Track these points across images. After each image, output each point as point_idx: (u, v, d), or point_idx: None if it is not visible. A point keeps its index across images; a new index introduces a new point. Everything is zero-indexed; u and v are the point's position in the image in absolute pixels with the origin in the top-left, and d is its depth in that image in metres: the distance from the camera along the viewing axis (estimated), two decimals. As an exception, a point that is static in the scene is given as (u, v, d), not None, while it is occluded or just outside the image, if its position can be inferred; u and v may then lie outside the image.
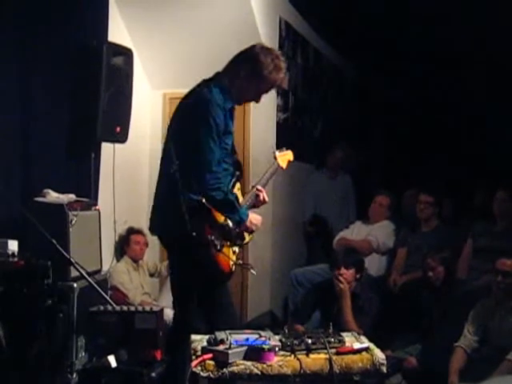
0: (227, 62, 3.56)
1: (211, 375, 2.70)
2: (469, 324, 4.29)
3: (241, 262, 3.60)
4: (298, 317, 4.98)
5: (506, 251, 4.41)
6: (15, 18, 4.34)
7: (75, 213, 4.12)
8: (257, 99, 3.56)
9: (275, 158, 3.87)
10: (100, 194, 5.08)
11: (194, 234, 3.18)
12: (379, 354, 2.85)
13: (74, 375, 3.58)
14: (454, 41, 7.38)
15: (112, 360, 3.03)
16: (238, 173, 3.62)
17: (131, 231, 5.75)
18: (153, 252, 6.26)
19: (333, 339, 2.88)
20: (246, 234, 3.60)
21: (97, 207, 4.56)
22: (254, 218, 3.55)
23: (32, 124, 4.50)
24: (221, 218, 3.41)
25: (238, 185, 3.59)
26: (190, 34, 5.84)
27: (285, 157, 3.96)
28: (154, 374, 3.08)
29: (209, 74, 3.59)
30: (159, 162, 3.59)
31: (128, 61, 4.99)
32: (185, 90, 6.23)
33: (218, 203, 3.34)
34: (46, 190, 4.24)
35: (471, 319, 4.30)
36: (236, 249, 3.54)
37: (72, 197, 4.30)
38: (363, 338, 3.06)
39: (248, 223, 3.49)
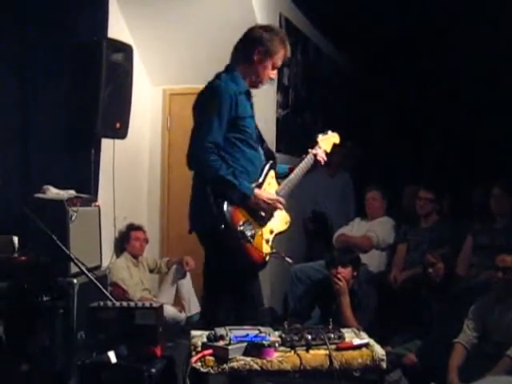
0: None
1: (211, 371, 2.70)
2: (468, 320, 4.29)
3: (274, 251, 3.48)
4: (297, 316, 4.97)
5: (506, 248, 4.41)
6: (15, 14, 4.34)
7: (75, 209, 4.12)
8: (270, 79, 3.58)
9: (317, 142, 3.77)
10: (100, 190, 5.08)
11: (223, 226, 3.21)
12: (379, 350, 2.86)
13: (74, 371, 3.58)
14: (454, 40, 7.37)
15: (112, 356, 3.03)
16: (271, 161, 3.58)
17: (131, 227, 5.76)
18: (153, 248, 6.27)
19: (333, 335, 2.88)
20: (277, 222, 3.49)
21: (97, 203, 4.56)
22: (264, 194, 3.41)
23: (32, 120, 4.51)
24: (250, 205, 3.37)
25: (271, 173, 3.55)
26: (189, 30, 5.83)
27: (329, 140, 3.86)
28: (153, 370, 3.07)
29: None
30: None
31: (128, 57, 4.99)
32: (185, 86, 6.29)
33: (212, 182, 3.28)
34: (45, 186, 4.25)
35: (471, 315, 4.30)
36: (270, 238, 3.46)
37: (72, 193, 4.31)
38: (363, 334, 3.06)
39: (254, 199, 3.34)
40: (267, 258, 3.44)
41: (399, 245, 5.76)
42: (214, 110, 3.32)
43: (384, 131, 9.52)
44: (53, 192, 4.23)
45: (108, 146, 5.13)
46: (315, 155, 3.69)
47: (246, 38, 3.56)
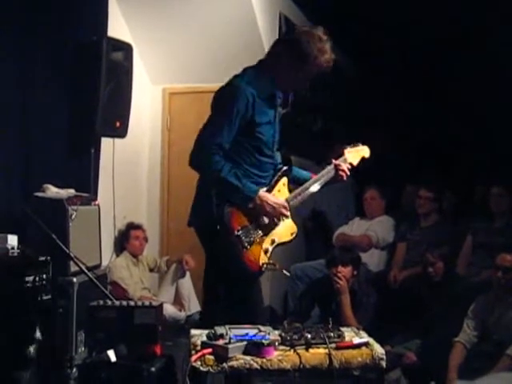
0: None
1: (211, 370, 2.70)
2: (468, 319, 4.29)
3: (271, 261, 3.26)
4: (297, 315, 4.97)
5: (506, 247, 4.41)
6: (15, 14, 4.33)
7: (75, 208, 4.11)
8: (304, 86, 3.39)
9: (343, 153, 3.53)
10: (100, 188, 5.08)
11: (218, 227, 3.12)
12: (379, 349, 2.85)
13: (74, 370, 3.57)
14: (454, 40, 7.37)
15: (111, 355, 3.03)
16: (285, 168, 3.39)
17: (131, 226, 5.76)
18: (152, 247, 6.27)
19: (332, 334, 2.88)
20: (281, 232, 3.33)
21: (96, 202, 4.55)
22: (270, 198, 3.23)
23: (32, 119, 4.50)
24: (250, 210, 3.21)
25: (283, 180, 3.36)
26: (189, 29, 5.83)
27: (357, 153, 3.61)
28: (153, 369, 3.07)
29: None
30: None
31: (128, 56, 4.99)
32: (185, 85, 6.29)
33: (213, 183, 3.18)
34: (45, 185, 4.24)
35: (471, 314, 4.30)
36: (269, 247, 3.29)
37: (72, 192, 4.30)
38: (363, 333, 3.06)
39: (258, 200, 3.18)
40: (263, 268, 3.25)
41: (399, 244, 5.76)
42: (227, 112, 3.15)
43: (385, 130, 9.52)
44: (52, 191, 4.22)
45: (108, 145, 5.13)
46: (337, 166, 3.44)
47: (283, 38, 3.35)
